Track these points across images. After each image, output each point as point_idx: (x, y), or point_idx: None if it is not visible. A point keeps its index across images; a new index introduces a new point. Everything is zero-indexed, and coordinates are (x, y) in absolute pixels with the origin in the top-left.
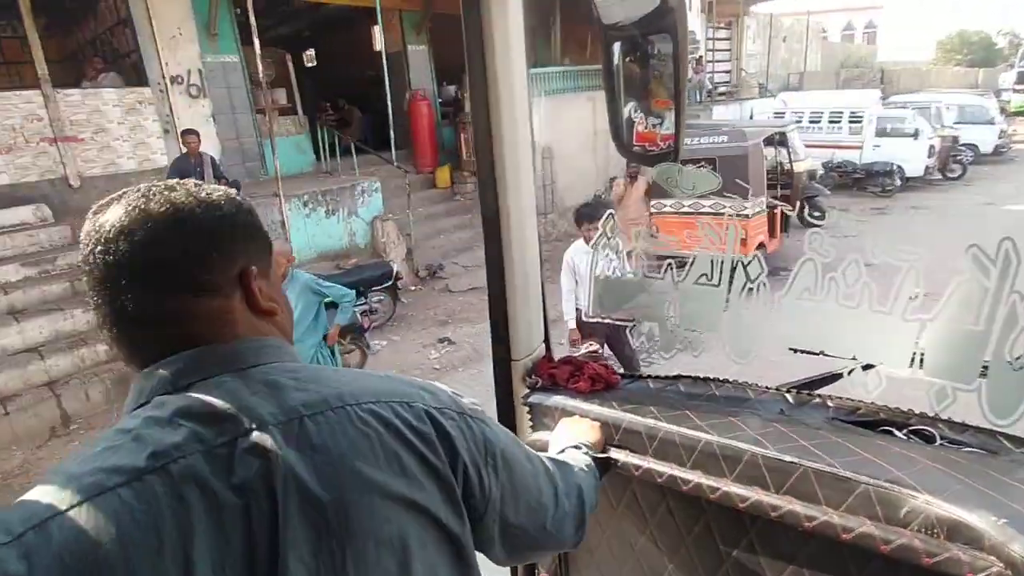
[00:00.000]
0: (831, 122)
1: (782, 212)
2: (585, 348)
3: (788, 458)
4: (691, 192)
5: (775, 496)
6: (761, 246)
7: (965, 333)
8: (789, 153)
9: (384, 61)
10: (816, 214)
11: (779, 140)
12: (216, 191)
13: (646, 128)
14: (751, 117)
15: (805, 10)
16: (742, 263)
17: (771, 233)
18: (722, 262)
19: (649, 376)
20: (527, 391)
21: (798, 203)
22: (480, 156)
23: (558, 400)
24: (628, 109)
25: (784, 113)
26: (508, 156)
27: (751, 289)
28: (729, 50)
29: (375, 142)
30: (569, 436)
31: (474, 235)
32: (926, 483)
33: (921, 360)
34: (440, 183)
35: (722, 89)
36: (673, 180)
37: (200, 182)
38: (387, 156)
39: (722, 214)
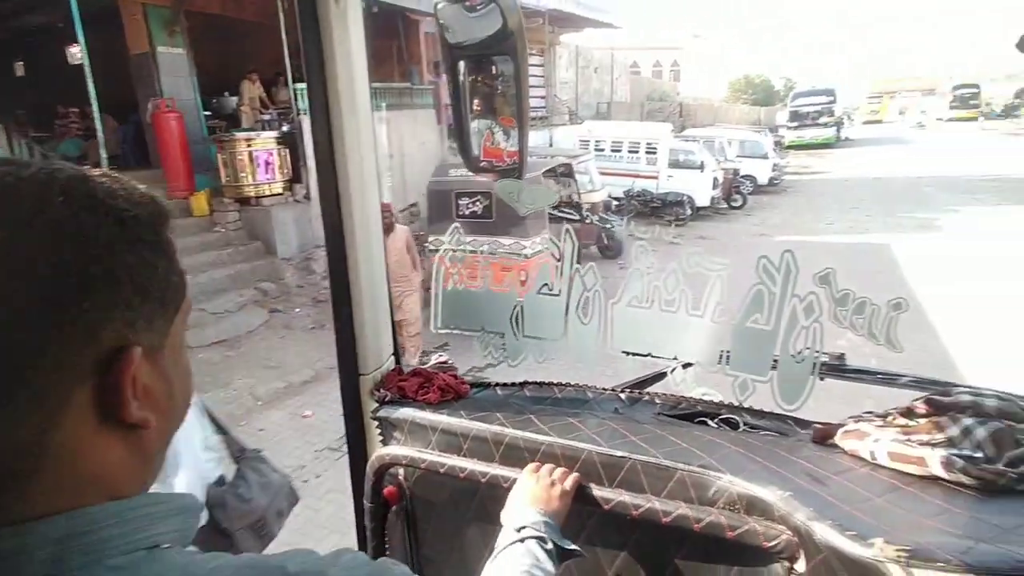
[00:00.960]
0: (630, 152)
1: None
2: (435, 359)
3: (619, 453)
4: (531, 207)
5: (608, 489)
6: (546, 286)
7: (759, 333)
8: (577, 185)
9: (84, 65)
10: (612, 244)
11: (564, 172)
12: (117, 194)
13: (493, 144)
14: (550, 144)
15: (610, 45)
16: (579, 273)
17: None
18: (561, 274)
19: (497, 384)
20: (376, 405)
21: (594, 235)
22: (322, 170)
23: (406, 412)
24: (476, 126)
25: (589, 141)
26: (352, 169)
27: (588, 298)
28: (543, 76)
29: (135, 157)
30: (528, 510)
31: (235, 274)
32: (729, 465)
33: (727, 357)
34: (197, 211)
35: (534, 115)
36: (514, 195)
37: (93, 173)
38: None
39: (498, 254)
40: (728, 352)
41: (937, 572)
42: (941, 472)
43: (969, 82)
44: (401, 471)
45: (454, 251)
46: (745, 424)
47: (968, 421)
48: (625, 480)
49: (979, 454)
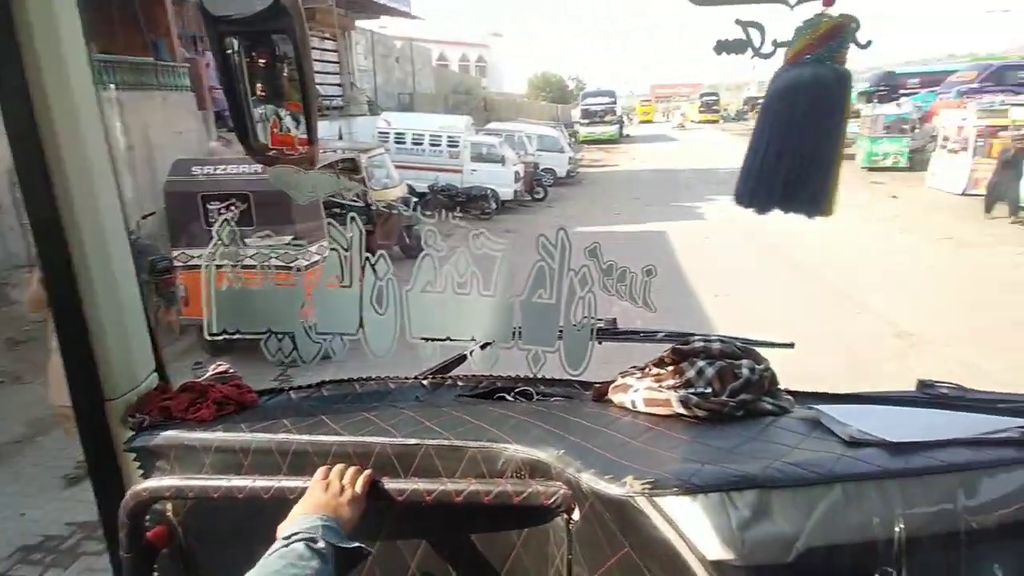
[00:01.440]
0: (432, 145)
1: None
2: (213, 369)
3: (412, 441)
4: (311, 195)
5: (402, 481)
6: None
7: (544, 307)
8: (369, 182)
9: None
10: (413, 242)
11: (347, 167)
12: None
13: (282, 131)
14: (340, 138)
15: (414, 36)
16: (370, 262)
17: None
18: (352, 264)
19: (292, 388)
20: (132, 433)
21: (395, 235)
22: (23, 163)
23: (172, 436)
24: (260, 111)
25: (388, 133)
26: (73, 161)
27: (382, 287)
28: (338, 63)
29: None
30: (306, 518)
31: None
32: (515, 435)
33: (520, 333)
34: None
35: (329, 103)
36: (291, 183)
37: None
38: None
39: (268, 268)
40: (520, 328)
41: (673, 496)
42: (681, 409)
43: (711, 90)
44: (169, 506)
45: (224, 247)
46: (538, 394)
47: (701, 363)
48: (420, 467)
49: (708, 390)
